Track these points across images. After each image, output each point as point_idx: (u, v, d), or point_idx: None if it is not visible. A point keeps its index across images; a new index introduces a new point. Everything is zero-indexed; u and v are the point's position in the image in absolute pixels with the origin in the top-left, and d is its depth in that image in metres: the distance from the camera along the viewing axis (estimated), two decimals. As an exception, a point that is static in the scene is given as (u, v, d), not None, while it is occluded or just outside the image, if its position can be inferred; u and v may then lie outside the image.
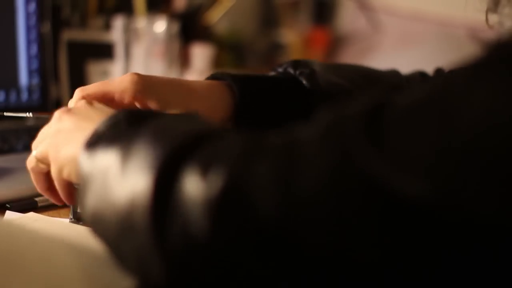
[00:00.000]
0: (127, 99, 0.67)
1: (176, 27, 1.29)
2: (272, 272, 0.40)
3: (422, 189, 0.37)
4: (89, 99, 0.66)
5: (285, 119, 0.75)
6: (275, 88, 0.76)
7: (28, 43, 1.12)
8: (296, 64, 0.78)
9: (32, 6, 1.12)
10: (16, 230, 0.51)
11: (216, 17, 1.58)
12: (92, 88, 0.68)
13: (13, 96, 1.10)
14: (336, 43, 2.01)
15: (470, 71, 0.40)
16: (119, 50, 1.27)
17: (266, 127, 0.73)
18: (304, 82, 0.76)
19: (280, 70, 0.79)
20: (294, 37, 1.87)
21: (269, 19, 1.94)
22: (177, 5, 1.52)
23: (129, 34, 1.26)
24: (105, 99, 0.67)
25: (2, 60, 1.10)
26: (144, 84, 0.68)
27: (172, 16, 1.41)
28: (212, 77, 0.75)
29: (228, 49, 1.67)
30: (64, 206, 0.75)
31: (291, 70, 0.78)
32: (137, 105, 0.69)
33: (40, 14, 1.14)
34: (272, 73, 0.79)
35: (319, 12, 2.04)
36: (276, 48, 1.85)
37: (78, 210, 0.68)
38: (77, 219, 0.69)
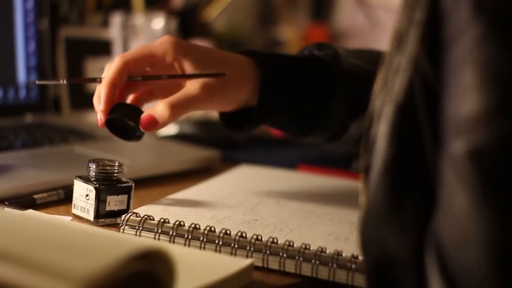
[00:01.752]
0: (168, 59, 0.74)
1: (174, 24, 1.29)
2: None
3: None
4: (131, 66, 0.73)
5: (308, 96, 0.78)
6: (299, 66, 0.79)
7: (26, 40, 1.12)
8: (320, 46, 0.81)
9: (30, 3, 1.12)
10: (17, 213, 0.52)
11: (214, 13, 1.58)
12: (132, 53, 0.74)
13: (11, 93, 1.10)
14: (334, 39, 2.01)
15: None
16: (117, 47, 1.26)
17: (289, 102, 0.77)
18: (328, 62, 0.79)
19: (306, 52, 0.82)
20: (292, 33, 1.87)
21: (267, 15, 1.93)
22: (175, 2, 1.52)
23: (127, 31, 1.26)
24: (146, 61, 0.74)
25: (0, 57, 1.10)
26: (183, 46, 0.75)
27: (170, 13, 1.41)
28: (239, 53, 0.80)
29: (226, 45, 1.67)
30: (63, 203, 0.75)
31: (316, 52, 0.81)
32: (176, 65, 0.74)
33: (38, 11, 1.13)
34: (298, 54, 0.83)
35: (317, 8, 2.04)
36: (274, 44, 1.85)
37: (107, 209, 0.69)
38: (100, 217, 0.69)
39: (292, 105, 0.78)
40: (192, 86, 0.73)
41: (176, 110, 0.72)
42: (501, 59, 0.38)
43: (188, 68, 0.74)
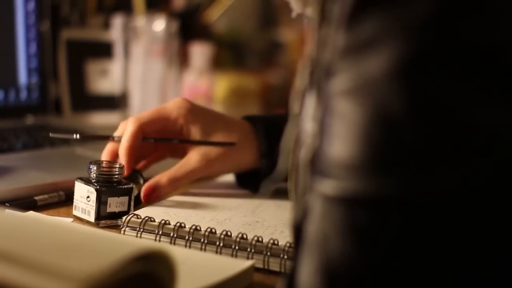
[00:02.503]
0: (179, 122, 0.79)
1: (175, 25, 1.29)
2: None
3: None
4: (145, 128, 0.77)
5: None
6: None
7: (27, 42, 1.12)
8: None
9: (31, 5, 1.12)
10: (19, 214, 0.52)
11: (215, 15, 1.58)
12: (146, 116, 0.78)
13: (12, 95, 1.10)
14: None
15: None
16: (118, 49, 1.27)
17: None
18: None
19: None
20: (293, 35, 1.86)
21: (268, 17, 1.93)
22: (176, 4, 1.52)
23: (128, 33, 1.26)
24: (159, 124, 0.78)
25: (1, 59, 1.10)
26: (195, 111, 0.80)
27: (171, 14, 1.41)
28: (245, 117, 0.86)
29: (227, 47, 1.67)
30: (64, 205, 0.75)
31: None
32: (184, 128, 0.79)
33: (39, 13, 1.14)
34: None
35: (318, 10, 2.03)
36: (275, 46, 1.85)
37: (108, 210, 0.69)
38: (101, 219, 0.69)
39: None
40: (193, 157, 0.78)
41: (177, 184, 0.77)
42: (362, 118, 0.37)
43: (195, 133, 0.79)
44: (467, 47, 0.36)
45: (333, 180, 0.38)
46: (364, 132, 0.37)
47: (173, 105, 0.79)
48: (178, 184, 0.77)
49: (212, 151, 0.79)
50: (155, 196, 0.75)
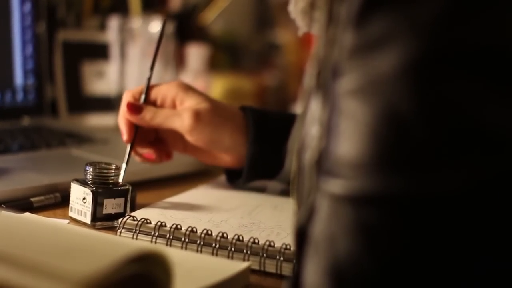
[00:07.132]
0: (172, 92, 0.80)
1: (171, 27, 1.29)
2: None
3: None
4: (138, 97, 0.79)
5: None
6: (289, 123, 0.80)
7: (24, 43, 1.12)
8: None
9: (28, 6, 1.12)
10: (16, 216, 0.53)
11: (212, 17, 1.58)
12: (139, 88, 0.81)
13: (8, 97, 1.10)
14: (331, 43, 2.00)
15: None
16: (114, 51, 1.26)
17: (277, 164, 0.76)
18: None
19: None
20: (289, 37, 1.86)
21: (264, 19, 1.93)
22: (172, 5, 1.52)
23: (125, 34, 1.26)
24: (151, 92, 0.81)
25: (-3, 60, 1.10)
26: (188, 87, 0.82)
27: (168, 16, 1.41)
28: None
29: (223, 49, 1.67)
30: (60, 207, 0.75)
31: None
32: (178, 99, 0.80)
33: (36, 14, 1.14)
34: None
35: (315, 12, 2.03)
36: (272, 48, 1.85)
37: (104, 212, 0.69)
38: (97, 220, 0.69)
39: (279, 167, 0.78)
40: (185, 114, 0.78)
41: (156, 122, 0.78)
42: (371, 117, 0.37)
43: (190, 103, 0.79)
44: (476, 46, 0.36)
45: (341, 179, 0.38)
46: (372, 131, 0.37)
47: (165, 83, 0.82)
48: (156, 124, 0.78)
49: (205, 116, 0.78)
50: (134, 113, 0.77)
